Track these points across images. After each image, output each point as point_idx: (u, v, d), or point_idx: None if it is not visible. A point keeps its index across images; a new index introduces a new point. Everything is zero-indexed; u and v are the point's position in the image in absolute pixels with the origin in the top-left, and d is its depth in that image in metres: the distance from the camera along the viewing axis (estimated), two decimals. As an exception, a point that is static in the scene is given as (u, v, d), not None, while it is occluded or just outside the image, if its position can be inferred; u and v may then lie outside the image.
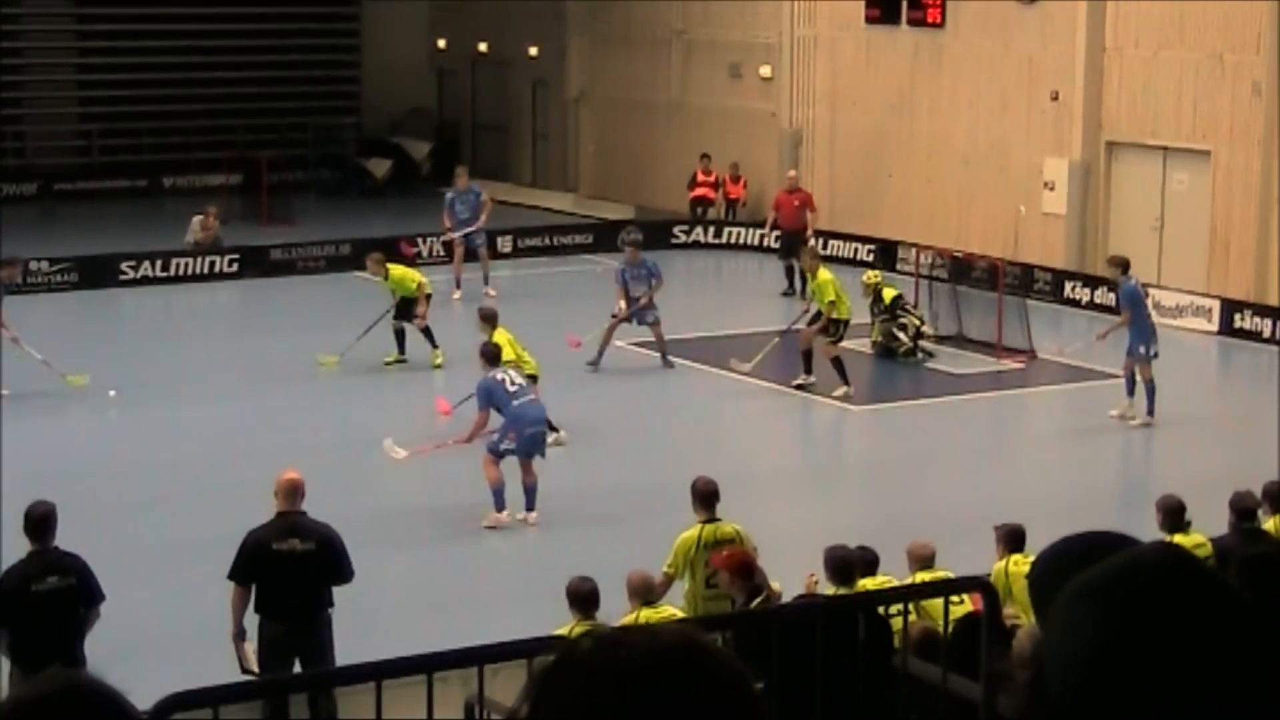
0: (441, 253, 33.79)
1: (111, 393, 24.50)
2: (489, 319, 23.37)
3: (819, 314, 25.20)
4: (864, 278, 28.21)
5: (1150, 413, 23.59)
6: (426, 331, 26.11)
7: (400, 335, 26.38)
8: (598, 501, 19.85)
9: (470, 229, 31.86)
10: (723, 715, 2.12)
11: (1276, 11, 29.51)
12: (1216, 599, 2.18)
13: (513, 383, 19.23)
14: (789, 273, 32.24)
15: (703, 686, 2.13)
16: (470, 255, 31.99)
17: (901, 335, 27.26)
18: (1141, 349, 23.59)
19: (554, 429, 21.17)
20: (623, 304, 26.44)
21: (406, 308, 26.25)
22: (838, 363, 24.89)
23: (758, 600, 12.34)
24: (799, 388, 25.28)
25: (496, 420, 19.31)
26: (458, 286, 31.12)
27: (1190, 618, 2.15)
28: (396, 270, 26.42)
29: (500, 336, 22.94)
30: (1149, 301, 28.97)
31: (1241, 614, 2.18)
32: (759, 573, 12.77)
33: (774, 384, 25.66)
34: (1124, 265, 24.37)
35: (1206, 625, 2.15)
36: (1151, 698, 2.12)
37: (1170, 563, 2.23)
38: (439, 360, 26.13)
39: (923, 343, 27.51)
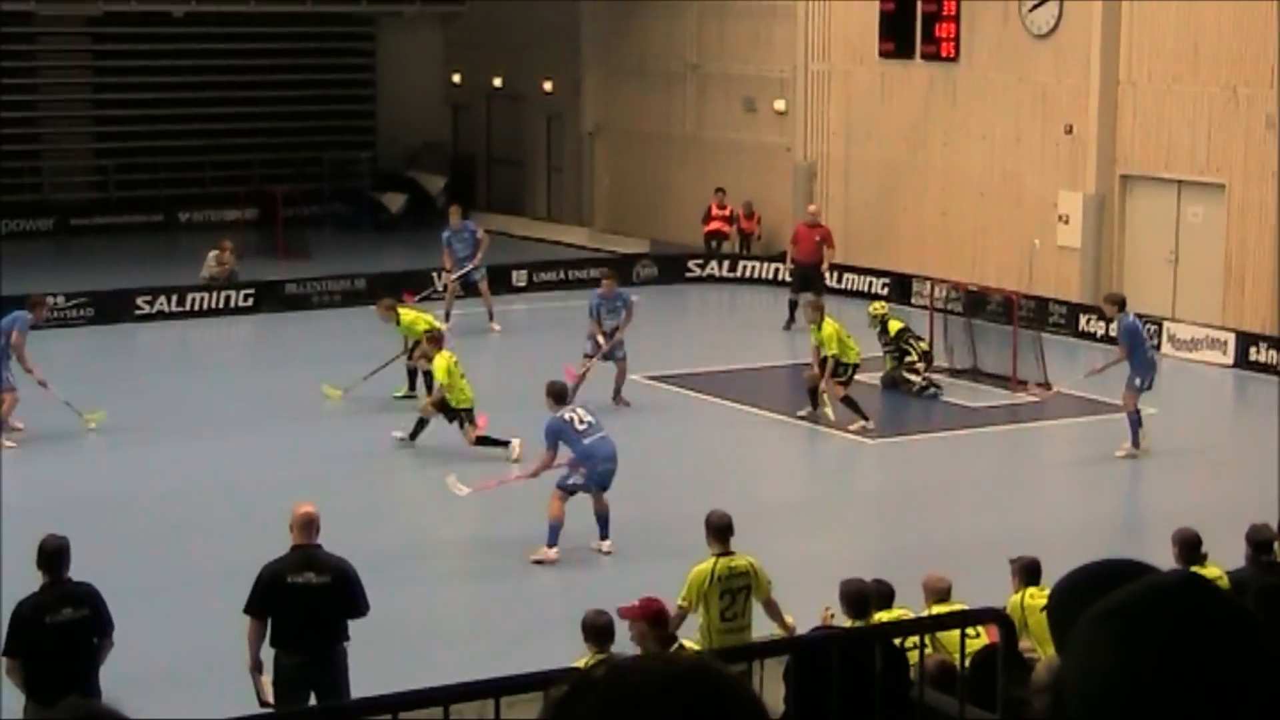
0: (458, 288, 34.00)
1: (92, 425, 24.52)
2: (435, 340, 23.64)
3: (836, 364, 25.10)
4: (870, 309, 28.22)
5: (1135, 444, 23.69)
6: (427, 375, 26.02)
7: (412, 373, 26.39)
8: (614, 535, 19.81)
9: (468, 267, 31.95)
10: None
11: (1290, 44, 29.54)
12: (1237, 625, 2.18)
13: (581, 420, 19.23)
14: (792, 307, 32.20)
15: (717, 713, 2.12)
16: (472, 291, 32.07)
17: (912, 378, 27.21)
18: (1138, 381, 23.72)
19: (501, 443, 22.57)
20: (601, 339, 26.09)
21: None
22: (849, 401, 24.88)
23: (672, 650, 12.07)
24: (802, 419, 25.31)
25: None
26: (446, 320, 30.98)
27: (1211, 643, 2.15)
28: (407, 315, 26.37)
29: (441, 360, 23.16)
30: (1151, 336, 29.24)
31: (1262, 641, 2.18)
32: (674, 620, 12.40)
33: (788, 418, 25.64)
34: (1120, 303, 24.53)
35: (1227, 651, 2.15)
36: (1172, 721, 2.12)
37: (1190, 588, 2.22)
38: (400, 393, 26.17)
39: (933, 375, 27.48)
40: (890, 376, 27.38)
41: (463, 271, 31.98)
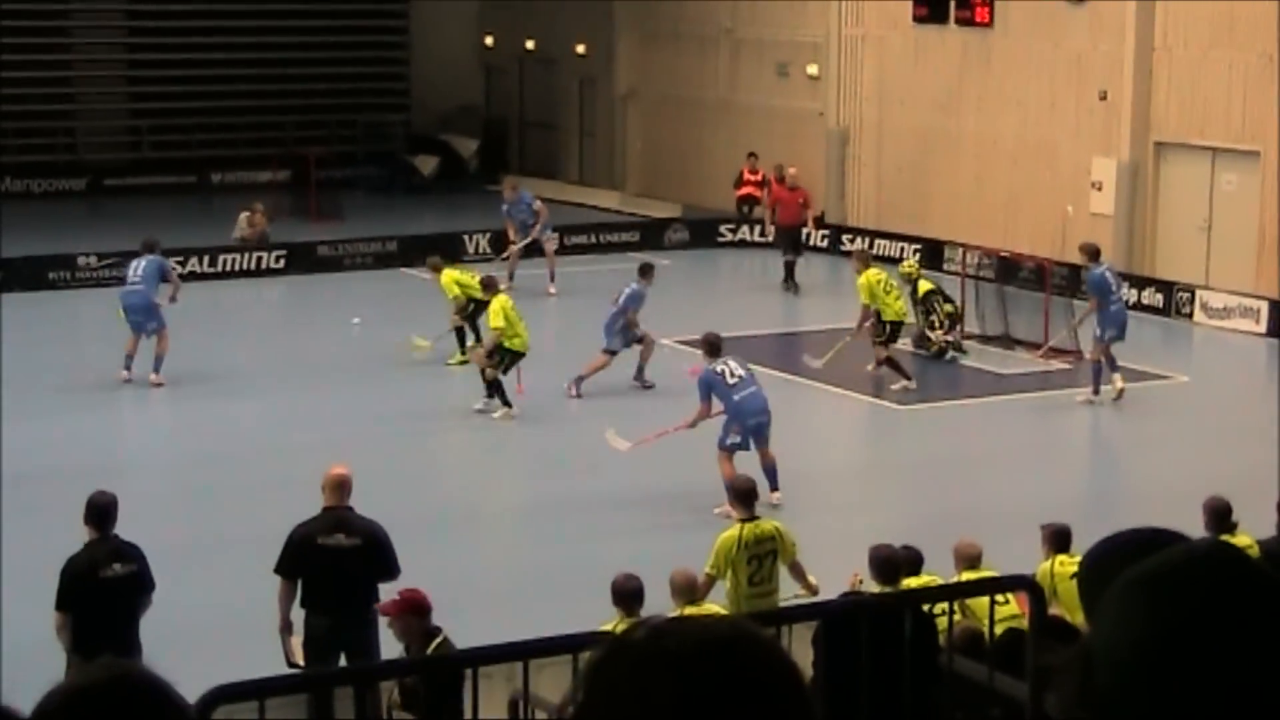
0: (488, 250, 34.30)
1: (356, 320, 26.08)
2: (489, 286, 23.76)
3: (876, 322, 25.30)
4: (901, 268, 28.28)
5: (1095, 393, 24.34)
6: (457, 332, 26.13)
7: (460, 335, 26.36)
8: (646, 501, 19.84)
9: (529, 237, 32.12)
10: (774, 706, 2.12)
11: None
12: (1269, 594, 2.17)
13: (733, 374, 19.52)
14: (788, 268, 33.02)
15: (754, 677, 2.12)
16: (536, 251, 32.25)
17: (932, 336, 27.18)
18: (1097, 332, 24.35)
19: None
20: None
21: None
22: (891, 362, 25.03)
23: (435, 643, 11.51)
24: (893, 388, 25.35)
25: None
26: (510, 279, 31.26)
27: (1242, 612, 2.14)
28: (445, 277, 26.28)
29: (497, 303, 23.24)
30: (1183, 304, 29.48)
31: (1293, 611, 2.17)
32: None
33: (819, 383, 25.61)
34: (1094, 253, 25.04)
35: (1259, 620, 2.14)
36: (1201, 690, 2.11)
37: (1223, 557, 2.22)
38: (453, 360, 26.16)
39: (957, 339, 27.44)
40: (918, 336, 27.42)
41: (525, 241, 32.17)
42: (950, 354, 27.25)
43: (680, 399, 21.56)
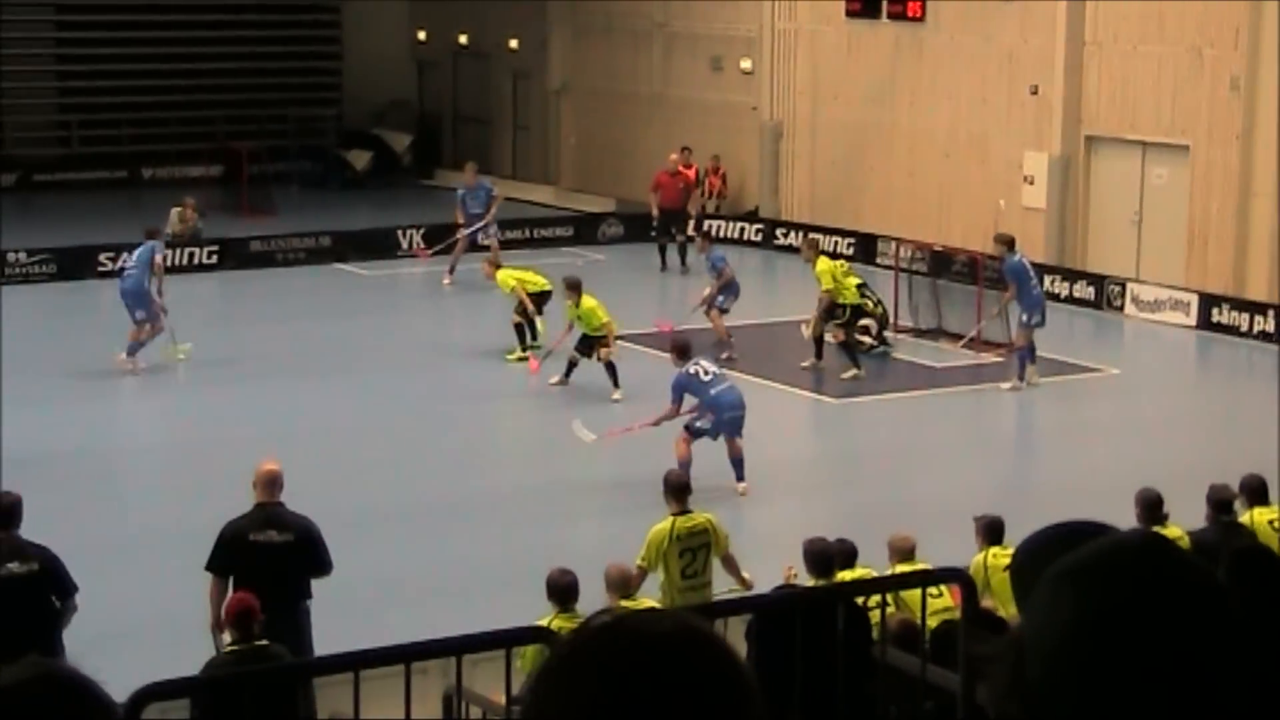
0: (422, 245, 34.21)
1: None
2: (574, 287, 24.08)
3: (831, 304, 25.58)
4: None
5: (1021, 378, 24.92)
6: (517, 329, 26.32)
7: (519, 329, 26.49)
8: (574, 495, 19.83)
9: (480, 224, 32.11)
10: (719, 704, 2.10)
11: (1254, 7, 29.57)
12: (1196, 584, 2.18)
13: (706, 372, 19.97)
14: (662, 251, 34.23)
15: (701, 674, 2.10)
16: (480, 247, 32.09)
17: (864, 339, 27.23)
18: (1024, 318, 24.91)
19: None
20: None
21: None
22: (846, 346, 25.48)
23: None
24: (806, 369, 25.77)
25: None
26: (450, 273, 31.47)
27: (1170, 601, 2.15)
28: (501, 274, 26.84)
29: (587, 302, 23.56)
30: (1114, 298, 29.89)
31: (1220, 600, 2.18)
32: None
33: (752, 377, 25.64)
34: (1009, 243, 25.57)
35: (1186, 609, 2.15)
36: (1130, 680, 2.11)
37: (1151, 547, 2.22)
38: (515, 355, 26.21)
39: (888, 335, 27.58)
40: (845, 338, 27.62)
41: (474, 229, 32.17)
42: (882, 349, 27.33)
43: (650, 397, 21.64)
